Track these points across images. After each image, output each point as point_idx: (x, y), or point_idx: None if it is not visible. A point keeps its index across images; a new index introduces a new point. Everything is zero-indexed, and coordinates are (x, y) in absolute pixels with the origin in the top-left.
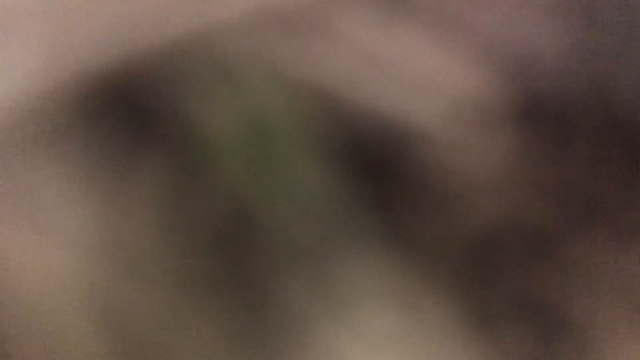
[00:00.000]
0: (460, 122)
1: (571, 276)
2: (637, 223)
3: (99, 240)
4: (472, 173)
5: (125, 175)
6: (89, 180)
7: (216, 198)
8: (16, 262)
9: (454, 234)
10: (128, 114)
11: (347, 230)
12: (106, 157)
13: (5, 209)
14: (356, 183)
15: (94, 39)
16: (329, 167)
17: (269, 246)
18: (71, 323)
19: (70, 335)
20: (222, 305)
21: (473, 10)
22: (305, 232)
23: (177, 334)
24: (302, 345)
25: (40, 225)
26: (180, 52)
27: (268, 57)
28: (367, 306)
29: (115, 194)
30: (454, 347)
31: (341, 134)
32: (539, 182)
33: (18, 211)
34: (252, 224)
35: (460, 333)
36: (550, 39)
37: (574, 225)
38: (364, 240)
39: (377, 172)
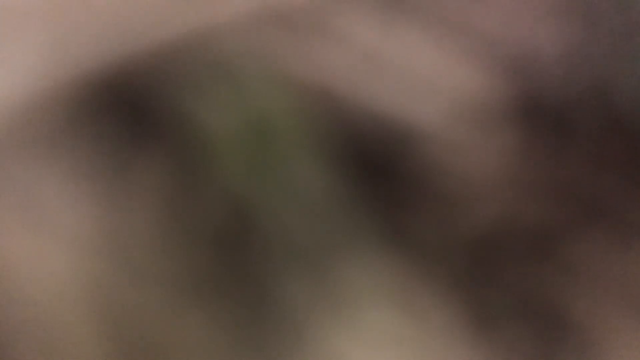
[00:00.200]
0: (461, 121)
1: (572, 276)
2: (638, 223)
3: (99, 239)
4: (473, 173)
5: (125, 174)
6: (89, 179)
7: (216, 198)
8: (16, 262)
9: (454, 233)
10: (128, 113)
11: (348, 230)
12: (106, 156)
13: (5, 209)
14: (356, 183)
15: (94, 39)
16: (329, 166)
17: (269, 246)
18: (71, 323)
19: (70, 335)
20: (222, 305)
21: (473, 10)
22: (305, 232)
23: (177, 333)
24: (302, 345)
25: (40, 225)
26: (180, 52)
27: (268, 56)
28: (367, 306)
29: (115, 193)
30: (455, 347)
31: (341, 134)
32: (539, 182)
33: (18, 211)
34: (252, 224)
35: (461, 333)
36: (551, 39)
37: (575, 225)
38: (365, 240)
39: (378, 172)
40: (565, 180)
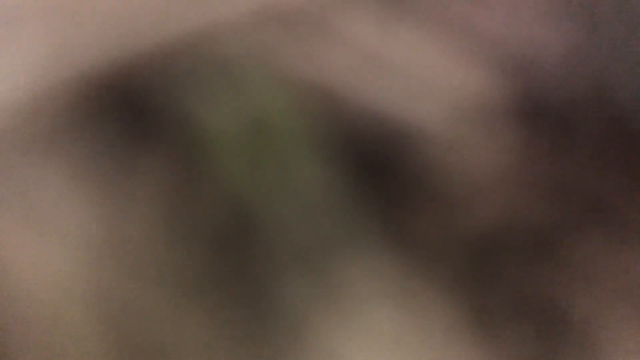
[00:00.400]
0: (461, 121)
1: (572, 276)
2: (639, 222)
3: (99, 240)
4: (473, 173)
5: (126, 174)
6: (89, 180)
7: (217, 198)
8: (16, 262)
9: (454, 233)
10: (128, 113)
11: (348, 230)
12: (106, 156)
13: (5, 209)
14: (357, 183)
15: (95, 38)
16: (329, 166)
17: (269, 246)
18: (71, 323)
19: (72, 334)
20: (222, 305)
21: (474, 9)
22: (306, 232)
23: (178, 333)
24: (303, 345)
25: (41, 225)
26: (180, 51)
27: (269, 56)
28: (367, 306)
29: (115, 193)
30: (455, 347)
31: (342, 133)
32: (539, 182)
33: (18, 211)
34: (252, 224)
35: (461, 332)
36: (551, 38)
37: (575, 225)
38: (365, 240)
39: (378, 172)
40: (566, 180)
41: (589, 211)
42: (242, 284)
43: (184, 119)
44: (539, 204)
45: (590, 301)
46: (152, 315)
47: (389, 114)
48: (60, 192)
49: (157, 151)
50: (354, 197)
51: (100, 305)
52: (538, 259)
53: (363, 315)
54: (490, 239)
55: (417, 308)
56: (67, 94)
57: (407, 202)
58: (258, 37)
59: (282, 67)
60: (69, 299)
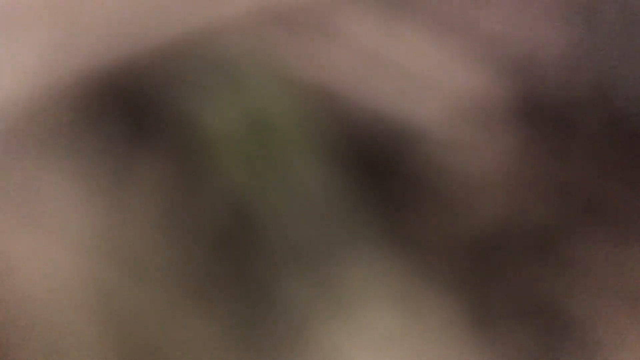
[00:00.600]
0: (462, 121)
1: (572, 275)
2: (639, 222)
3: (101, 239)
4: (474, 172)
5: (126, 174)
6: (90, 179)
7: (217, 197)
8: (17, 261)
9: (455, 233)
10: (129, 113)
11: (349, 230)
12: (107, 156)
13: (6, 209)
14: (358, 182)
15: (95, 38)
16: (330, 166)
17: (270, 246)
18: (72, 322)
19: (72, 334)
20: (223, 305)
21: (474, 9)
22: (306, 231)
23: (178, 333)
24: (304, 345)
25: (41, 225)
26: (181, 51)
27: (269, 56)
28: (368, 306)
29: (116, 193)
30: (456, 347)
31: (342, 134)
32: (540, 182)
33: (18, 211)
34: (253, 224)
35: (462, 332)
36: (551, 38)
37: (576, 225)
38: (366, 240)
39: (379, 172)
40: (566, 180)
41: (589, 211)
42: (243, 284)
43: (184, 118)
44: (539, 204)
45: (591, 301)
46: (153, 315)
47: (389, 114)
48: (60, 192)
49: (157, 151)
50: (354, 196)
51: (101, 305)
52: (538, 259)
53: (364, 315)
54: (490, 239)
55: (418, 308)
56: (67, 94)
57: (407, 202)
58: (258, 37)
59: (283, 67)
60: (69, 299)
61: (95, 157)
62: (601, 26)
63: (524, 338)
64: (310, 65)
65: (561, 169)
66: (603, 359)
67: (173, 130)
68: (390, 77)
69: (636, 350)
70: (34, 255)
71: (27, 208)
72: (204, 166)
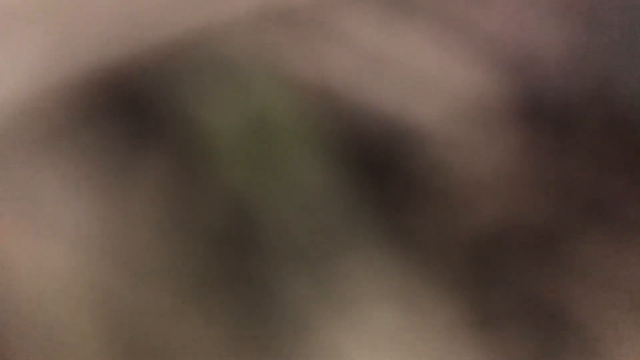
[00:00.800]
0: (463, 121)
1: (574, 275)
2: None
3: (100, 239)
4: (475, 172)
5: (126, 174)
6: (89, 179)
7: (217, 197)
8: (16, 262)
9: (456, 233)
10: (129, 113)
11: (349, 230)
12: (107, 156)
13: (6, 209)
14: (358, 182)
15: (95, 38)
16: (330, 166)
17: (270, 245)
18: (71, 323)
19: (71, 334)
20: (223, 305)
21: (475, 9)
22: (307, 231)
23: (179, 333)
24: (304, 345)
25: (40, 225)
26: (181, 51)
27: (270, 55)
28: (368, 305)
29: (115, 193)
30: (457, 347)
31: (343, 133)
32: (541, 182)
33: (18, 211)
34: (253, 223)
35: (463, 332)
36: (552, 38)
37: (577, 225)
38: (366, 239)
39: (379, 171)
40: (567, 180)
41: (590, 211)
42: (243, 283)
43: (184, 118)
44: (539, 204)
45: (591, 301)
46: (153, 315)
47: (389, 114)
48: (60, 192)
49: (158, 151)
50: (355, 196)
51: (101, 305)
52: (539, 259)
53: (364, 315)
54: (490, 239)
55: (418, 307)
56: (67, 94)
57: (408, 202)
58: (258, 37)
59: (283, 67)
60: (69, 299)
61: (95, 157)
62: (601, 26)
63: (524, 337)
64: (310, 65)
65: (561, 169)
66: (603, 358)
67: (173, 129)
68: (391, 77)
69: (636, 350)
70: (34, 255)
71: (27, 208)
72: (204, 165)
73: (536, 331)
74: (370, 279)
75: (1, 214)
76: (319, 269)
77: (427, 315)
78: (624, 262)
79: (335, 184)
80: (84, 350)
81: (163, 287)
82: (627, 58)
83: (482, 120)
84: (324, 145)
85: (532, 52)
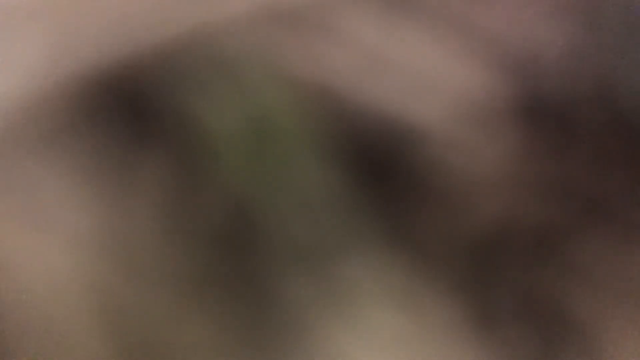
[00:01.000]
0: (463, 121)
1: (574, 275)
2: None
3: (100, 239)
4: (475, 172)
5: (127, 174)
6: (90, 179)
7: (218, 197)
8: (16, 261)
9: (456, 233)
10: (129, 112)
11: (350, 230)
12: (107, 156)
13: (6, 208)
14: (358, 182)
15: (95, 38)
16: (331, 165)
17: (271, 245)
18: (71, 322)
19: (71, 334)
20: (223, 305)
21: (475, 9)
22: (307, 231)
23: (178, 333)
24: (305, 345)
25: (40, 225)
26: (181, 50)
27: (270, 55)
28: (369, 306)
29: (116, 192)
30: (457, 347)
31: (343, 133)
32: (541, 182)
33: (18, 211)
34: (254, 223)
35: (463, 333)
36: (552, 38)
37: (577, 225)
38: (367, 239)
39: (380, 171)
40: (568, 180)
41: (590, 211)
42: (244, 283)
43: (184, 118)
44: (540, 204)
45: (592, 301)
46: (153, 314)
47: (389, 114)
48: (60, 192)
49: (158, 151)
50: (355, 196)
51: (100, 304)
52: (539, 259)
53: (365, 315)
54: (491, 239)
55: (419, 308)
56: (67, 94)
57: (408, 202)
58: (258, 37)
59: (283, 67)
60: (69, 299)
61: (95, 156)
62: (602, 26)
63: (524, 337)
64: (310, 65)
65: (561, 169)
66: (603, 358)
67: (173, 129)
68: (391, 77)
69: (636, 350)
70: (34, 255)
71: (27, 208)
72: (205, 165)
73: (536, 331)
74: (370, 279)
75: (1, 214)
76: (319, 269)
77: (427, 315)
78: (625, 262)
79: (336, 184)
80: (83, 349)
81: (163, 286)
82: (627, 58)
83: (482, 120)
84: (324, 145)
85: (533, 52)
